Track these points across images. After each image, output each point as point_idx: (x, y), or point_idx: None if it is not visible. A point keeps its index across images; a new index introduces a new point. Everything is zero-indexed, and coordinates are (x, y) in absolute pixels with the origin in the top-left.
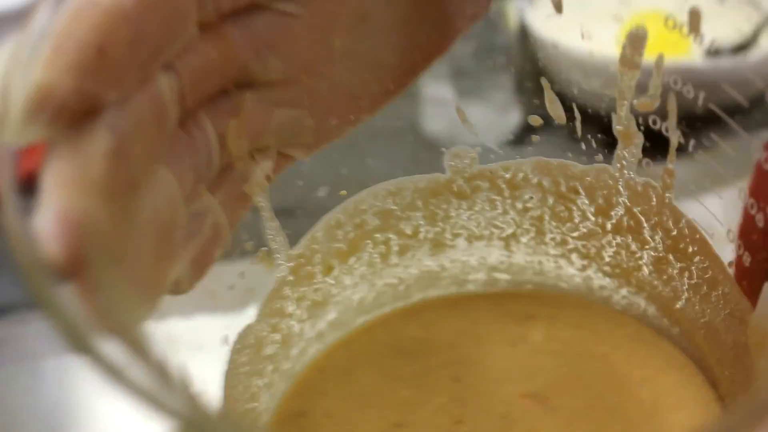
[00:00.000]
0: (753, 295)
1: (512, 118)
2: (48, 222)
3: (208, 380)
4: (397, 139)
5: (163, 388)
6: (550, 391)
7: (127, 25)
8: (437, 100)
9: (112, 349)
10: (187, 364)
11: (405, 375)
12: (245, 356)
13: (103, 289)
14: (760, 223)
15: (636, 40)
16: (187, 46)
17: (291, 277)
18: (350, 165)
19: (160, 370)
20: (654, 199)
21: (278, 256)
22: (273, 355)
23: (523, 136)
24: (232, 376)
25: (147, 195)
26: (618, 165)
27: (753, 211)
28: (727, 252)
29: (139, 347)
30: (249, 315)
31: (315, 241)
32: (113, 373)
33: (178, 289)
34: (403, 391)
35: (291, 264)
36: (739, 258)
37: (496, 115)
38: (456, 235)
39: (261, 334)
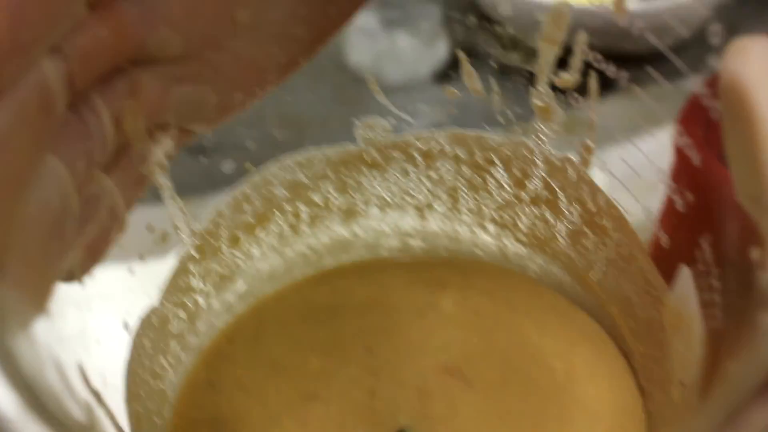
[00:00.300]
0: (669, 275)
1: (439, 50)
2: None
3: (110, 373)
4: (321, 73)
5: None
6: (464, 364)
7: (4, 9)
8: (363, 30)
9: None
10: (86, 360)
11: (316, 343)
12: (148, 339)
13: None
14: (680, 208)
15: (559, 17)
16: (74, 26)
17: (196, 254)
18: (273, 102)
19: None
20: (572, 174)
21: (181, 234)
22: (179, 333)
23: (448, 72)
24: (136, 361)
25: (34, 189)
26: (535, 139)
27: (674, 195)
28: (644, 231)
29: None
30: (151, 297)
31: (221, 216)
32: None
33: (71, 277)
34: (314, 360)
35: (196, 241)
36: (656, 238)
37: (423, 47)
38: (369, 204)
39: (164, 314)
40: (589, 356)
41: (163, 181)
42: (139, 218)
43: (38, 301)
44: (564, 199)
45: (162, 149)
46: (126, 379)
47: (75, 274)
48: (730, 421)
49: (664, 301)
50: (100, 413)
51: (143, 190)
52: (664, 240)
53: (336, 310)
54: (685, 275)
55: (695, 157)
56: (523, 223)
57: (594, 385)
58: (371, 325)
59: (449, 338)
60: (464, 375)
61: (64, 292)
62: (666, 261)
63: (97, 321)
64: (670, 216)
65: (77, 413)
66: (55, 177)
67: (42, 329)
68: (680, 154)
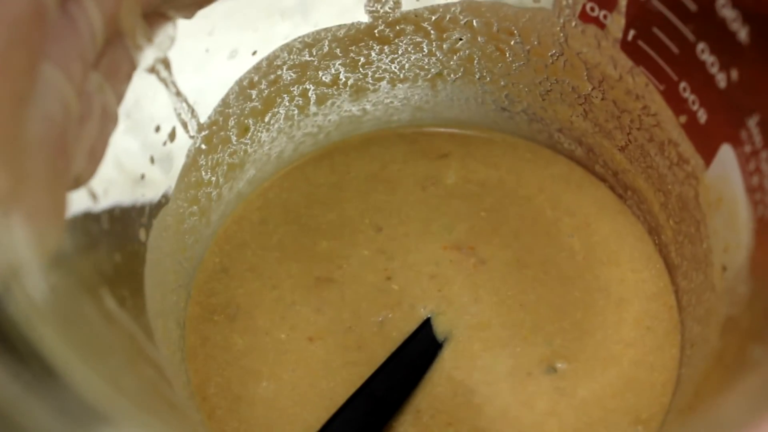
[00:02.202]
0: (708, 154)
1: None
2: None
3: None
4: None
5: None
6: (474, 240)
7: None
8: None
9: None
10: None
11: (323, 224)
12: (164, 240)
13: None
14: (722, 84)
15: None
16: None
17: (204, 146)
18: None
19: None
20: (597, 44)
21: (189, 130)
22: (192, 228)
23: None
24: (153, 263)
25: (35, 104)
26: (558, 8)
27: (713, 70)
28: (680, 106)
29: None
30: (165, 198)
31: (227, 105)
32: None
33: (78, 183)
34: (323, 243)
35: (204, 133)
36: (693, 113)
37: None
38: (378, 80)
39: (178, 212)
40: (609, 234)
41: (168, 77)
42: (146, 119)
43: (56, 223)
44: (588, 71)
45: (164, 43)
46: (146, 287)
47: (81, 179)
48: None
49: (700, 178)
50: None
51: (128, 83)
52: (702, 116)
53: (338, 187)
54: (726, 154)
55: (743, 34)
56: (540, 92)
57: (618, 267)
58: (375, 202)
59: (454, 214)
60: (475, 251)
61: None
62: (704, 139)
63: (114, 231)
64: (708, 91)
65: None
66: (54, 86)
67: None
68: (723, 26)
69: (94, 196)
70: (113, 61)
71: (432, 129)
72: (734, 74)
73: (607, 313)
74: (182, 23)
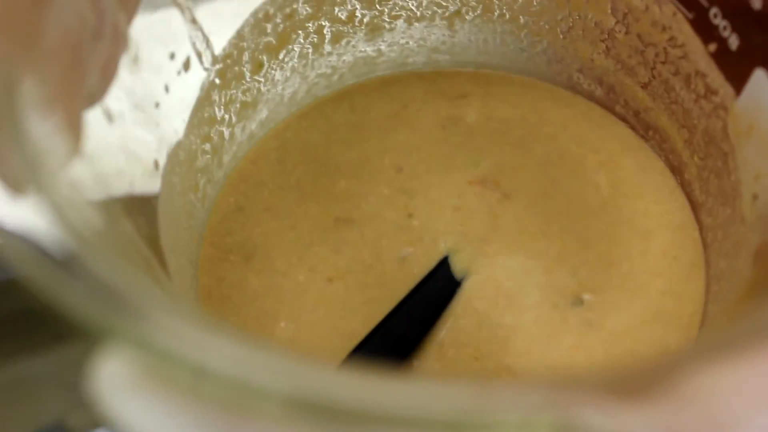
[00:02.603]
0: (738, 80)
1: None
2: None
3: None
4: None
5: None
6: (499, 175)
7: None
8: None
9: None
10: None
11: (342, 164)
12: (177, 175)
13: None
14: (756, 5)
15: None
16: None
17: (218, 81)
18: None
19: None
20: None
21: (203, 61)
22: (205, 167)
23: None
24: (167, 199)
25: (53, 11)
26: None
27: None
28: (709, 34)
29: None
30: (177, 131)
31: (242, 38)
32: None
33: (91, 101)
34: (342, 182)
35: (218, 66)
36: (724, 40)
37: None
38: (395, 18)
39: (191, 148)
40: (633, 169)
41: (184, 2)
42: (161, 45)
43: (73, 135)
44: (611, 1)
45: None
46: (159, 218)
47: (95, 97)
48: None
49: (729, 108)
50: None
51: (137, 6)
52: (733, 42)
53: (357, 127)
54: (760, 80)
55: None
56: (561, 29)
57: (642, 200)
58: (395, 142)
59: (478, 150)
60: (500, 185)
61: (95, 132)
62: (735, 67)
63: (129, 161)
64: (740, 14)
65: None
66: None
67: (80, 169)
68: None
69: (110, 116)
70: None
71: (451, 68)
72: None
73: (633, 244)
74: None
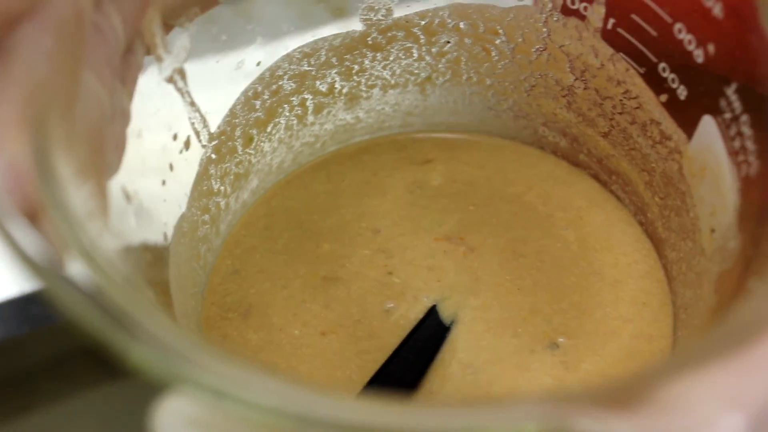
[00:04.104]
0: (689, 126)
1: None
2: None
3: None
4: None
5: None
6: (463, 231)
7: None
8: None
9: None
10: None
11: (323, 229)
12: (182, 246)
13: (63, 219)
14: (699, 59)
15: None
16: None
17: (214, 156)
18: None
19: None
20: (579, 36)
21: (201, 139)
22: (205, 236)
23: None
24: (175, 269)
25: (79, 105)
26: (539, 4)
27: (691, 47)
28: (660, 86)
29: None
30: (181, 205)
31: (234, 115)
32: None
33: (110, 173)
34: (325, 245)
35: (214, 143)
36: (673, 91)
37: None
38: (371, 87)
39: (193, 219)
40: (601, 224)
41: (183, 87)
42: (165, 128)
43: (101, 209)
44: (570, 62)
45: (180, 53)
46: (171, 289)
47: (111, 169)
48: None
49: (683, 151)
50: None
51: (134, 86)
52: (681, 93)
53: (334, 195)
54: (708, 125)
55: (717, 9)
56: (525, 88)
57: (610, 252)
58: (369, 207)
59: (443, 211)
60: (464, 240)
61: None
62: (685, 114)
63: (144, 233)
64: (687, 68)
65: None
66: (92, 90)
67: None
68: (698, 3)
69: (128, 196)
70: (127, 65)
71: (419, 135)
72: (711, 48)
73: (604, 293)
74: (195, 36)
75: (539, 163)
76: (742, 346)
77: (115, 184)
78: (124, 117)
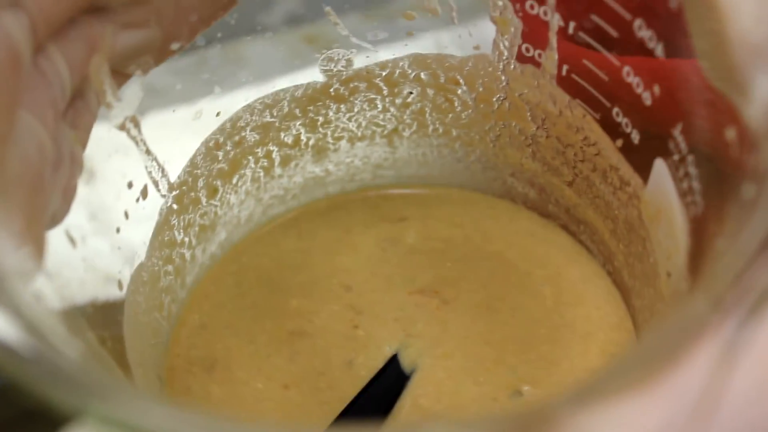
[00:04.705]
0: (643, 171)
1: None
2: None
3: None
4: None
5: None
6: (438, 286)
7: None
8: None
9: None
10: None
11: (293, 286)
12: (141, 295)
13: None
14: (648, 101)
15: None
16: None
17: (176, 206)
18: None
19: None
20: (536, 83)
21: (160, 188)
22: (169, 287)
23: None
24: (132, 317)
25: (14, 146)
26: (497, 52)
27: (639, 90)
28: (615, 131)
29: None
30: (140, 254)
31: (195, 166)
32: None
33: (53, 223)
34: (293, 301)
35: (174, 193)
36: (627, 135)
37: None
38: (338, 139)
39: (154, 270)
40: (576, 279)
41: (137, 135)
42: (119, 175)
43: (36, 254)
44: (530, 110)
45: (133, 101)
46: (126, 334)
47: (57, 218)
48: (732, 286)
49: (641, 196)
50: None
51: (89, 133)
52: (635, 137)
53: (305, 252)
54: (660, 168)
55: (659, 50)
56: (491, 138)
57: (583, 307)
58: (342, 264)
59: (418, 267)
60: (439, 294)
61: (58, 253)
62: (640, 158)
63: (92, 281)
64: (637, 111)
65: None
66: (30, 131)
67: (45, 287)
68: (642, 46)
69: (72, 241)
70: (77, 112)
71: (392, 191)
72: (657, 90)
73: (573, 345)
74: (149, 84)
75: (515, 217)
76: (645, 379)
77: (60, 229)
78: (75, 164)
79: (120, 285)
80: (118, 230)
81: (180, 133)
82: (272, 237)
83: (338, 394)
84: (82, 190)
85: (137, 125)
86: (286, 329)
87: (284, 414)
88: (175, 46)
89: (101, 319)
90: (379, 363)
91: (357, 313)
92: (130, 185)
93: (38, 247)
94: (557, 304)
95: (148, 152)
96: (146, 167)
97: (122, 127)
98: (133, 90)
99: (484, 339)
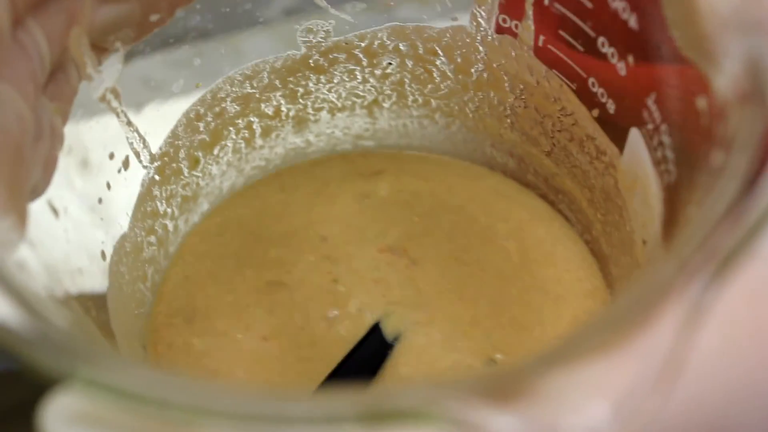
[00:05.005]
0: (619, 140)
1: None
2: None
3: (93, 300)
4: None
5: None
6: (406, 243)
7: None
8: None
9: None
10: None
11: (273, 235)
12: (124, 266)
13: None
14: (622, 71)
15: None
16: None
17: (158, 177)
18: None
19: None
20: (514, 54)
21: (141, 159)
22: (152, 258)
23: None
24: (115, 287)
25: None
26: (474, 23)
27: (614, 60)
28: (591, 101)
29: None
30: (122, 225)
31: (176, 137)
32: None
33: (35, 194)
34: (273, 251)
35: (156, 164)
36: (603, 105)
37: None
38: (318, 110)
39: (137, 240)
40: (544, 237)
41: (118, 107)
42: (100, 146)
43: (19, 224)
44: (508, 80)
45: (112, 73)
46: (109, 307)
47: (38, 189)
48: (698, 250)
49: (617, 165)
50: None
51: (71, 103)
52: (611, 107)
53: (286, 205)
54: (635, 137)
55: (632, 21)
56: (470, 109)
57: (554, 268)
58: (319, 215)
59: (387, 221)
60: (407, 253)
61: (41, 224)
62: (615, 128)
63: (75, 251)
64: (612, 81)
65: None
66: (10, 102)
67: (29, 257)
68: (615, 17)
69: (55, 211)
70: (58, 85)
71: (371, 150)
72: (631, 60)
73: (545, 309)
74: (128, 56)
75: (484, 177)
76: (613, 341)
77: (42, 199)
78: (55, 137)
79: (103, 255)
80: (100, 201)
81: (161, 105)
82: (256, 189)
83: (319, 351)
84: (63, 161)
85: (117, 96)
86: (265, 279)
87: (263, 368)
88: (154, 17)
89: (85, 289)
90: (360, 327)
91: (332, 263)
92: (111, 156)
93: (20, 218)
94: (525, 261)
95: (129, 123)
96: (127, 138)
97: (102, 99)
98: (112, 62)
99: (458, 296)
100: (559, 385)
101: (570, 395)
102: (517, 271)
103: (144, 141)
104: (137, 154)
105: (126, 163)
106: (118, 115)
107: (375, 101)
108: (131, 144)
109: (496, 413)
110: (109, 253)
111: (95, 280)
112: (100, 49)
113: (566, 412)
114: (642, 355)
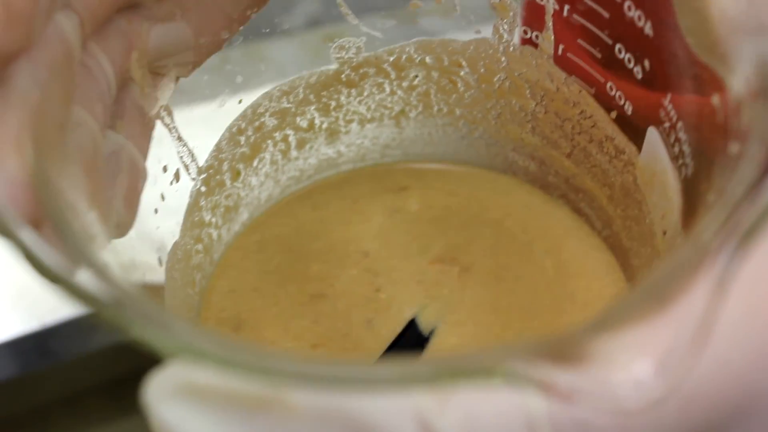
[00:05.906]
0: (637, 139)
1: None
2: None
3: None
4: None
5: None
6: (454, 252)
7: None
8: None
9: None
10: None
11: (312, 252)
12: (177, 272)
13: (63, 233)
14: (639, 75)
15: None
16: None
17: (204, 188)
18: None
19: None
20: (535, 63)
21: (190, 172)
22: (199, 264)
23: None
24: (171, 293)
25: (70, 136)
26: (496, 35)
27: (631, 65)
28: (609, 104)
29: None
30: (174, 233)
31: (220, 150)
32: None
33: (120, 231)
34: (314, 266)
35: (203, 176)
36: (621, 107)
37: None
38: (349, 122)
39: (186, 248)
40: (576, 252)
41: (171, 123)
42: (156, 160)
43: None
44: (529, 88)
45: (166, 92)
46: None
47: (122, 227)
48: (721, 229)
49: (635, 163)
50: None
51: (150, 139)
52: (628, 108)
53: (321, 220)
54: (652, 135)
55: (648, 28)
56: (492, 116)
57: (584, 278)
58: (356, 232)
59: (426, 234)
60: (459, 261)
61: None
62: (633, 128)
63: (140, 257)
64: (630, 85)
65: None
66: (84, 123)
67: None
68: (632, 25)
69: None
70: (132, 122)
71: (395, 166)
72: (647, 64)
73: (574, 314)
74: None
75: (513, 191)
76: (650, 310)
77: None
78: (137, 172)
79: (160, 261)
80: (156, 211)
81: (206, 120)
82: (289, 208)
83: (363, 354)
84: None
85: (170, 114)
86: (308, 293)
87: None
88: (203, 40)
89: (152, 292)
90: (400, 323)
91: (375, 275)
92: (165, 169)
93: (107, 223)
94: (559, 275)
95: (179, 138)
96: (178, 152)
97: (157, 116)
98: (166, 82)
99: (493, 306)
100: (608, 347)
101: (618, 355)
102: (551, 284)
103: (192, 155)
104: (186, 167)
105: (177, 176)
106: (170, 131)
107: (402, 112)
108: (181, 158)
109: (558, 370)
110: (164, 259)
111: (156, 284)
112: (157, 74)
113: (616, 369)
114: (678, 320)
